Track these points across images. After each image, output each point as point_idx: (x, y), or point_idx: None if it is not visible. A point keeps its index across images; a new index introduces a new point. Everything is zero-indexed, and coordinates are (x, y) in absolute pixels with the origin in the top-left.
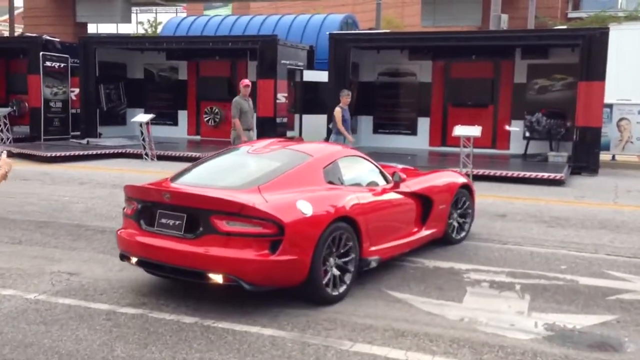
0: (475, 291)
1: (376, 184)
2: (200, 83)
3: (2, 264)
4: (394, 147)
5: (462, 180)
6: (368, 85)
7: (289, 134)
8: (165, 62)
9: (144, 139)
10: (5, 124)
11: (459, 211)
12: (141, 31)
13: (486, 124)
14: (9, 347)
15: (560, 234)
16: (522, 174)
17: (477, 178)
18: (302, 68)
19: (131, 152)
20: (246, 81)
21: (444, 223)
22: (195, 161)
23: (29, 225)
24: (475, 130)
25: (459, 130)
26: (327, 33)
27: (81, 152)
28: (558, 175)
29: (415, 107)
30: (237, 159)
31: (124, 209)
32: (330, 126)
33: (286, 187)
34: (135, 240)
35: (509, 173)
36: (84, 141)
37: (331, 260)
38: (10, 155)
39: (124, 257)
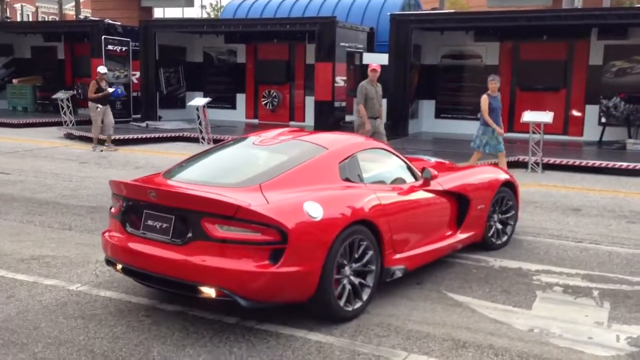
0: (547, 296)
1: (403, 181)
2: (259, 66)
3: (49, 252)
4: (456, 132)
5: (504, 176)
6: (431, 68)
7: (348, 118)
8: (224, 46)
9: (200, 123)
10: (68, 107)
11: (500, 212)
12: (205, 15)
13: (557, 109)
14: (42, 343)
15: None
16: (597, 163)
17: (548, 167)
18: (361, 51)
19: (188, 135)
20: (374, 65)
21: (482, 225)
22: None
23: (80, 210)
24: (546, 116)
25: (529, 116)
26: (388, 14)
27: (140, 135)
28: (639, 165)
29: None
30: (241, 152)
31: (110, 208)
32: (478, 116)
33: (293, 186)
34: (119, 245)
35: (583, 162)
36: (144, 124)
37: (346, 271)
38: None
39: (109, 263)
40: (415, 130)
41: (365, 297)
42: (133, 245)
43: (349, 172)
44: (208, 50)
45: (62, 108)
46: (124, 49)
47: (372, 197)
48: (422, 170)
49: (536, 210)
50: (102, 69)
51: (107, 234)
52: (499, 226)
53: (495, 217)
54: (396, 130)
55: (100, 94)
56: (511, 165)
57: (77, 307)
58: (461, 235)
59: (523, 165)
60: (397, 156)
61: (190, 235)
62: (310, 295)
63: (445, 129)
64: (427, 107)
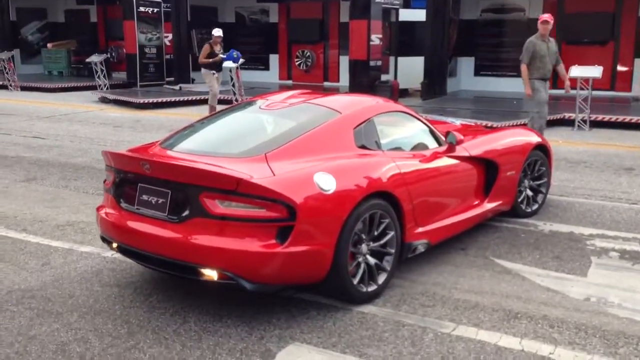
0: (603, 262)
1: (425, 147)
2: (292, 25)
3: (84, 217)
4: (497, 90)
5: (535, 139)
6: (470, 24)
7: (384, 77)
8: (256, 5)
9: (233, 85)
10: (102, 70)
11: (532, 178)
12: None
13: (605, 63)
14: (77, 313)
15: None
16: None
17: (596, 124)
18: (397, 7)
19: (222, 97)
20: (545, 16)
21: (512, 193)
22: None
23: None
24: (595, 71)
25: (577, 71)
26: None
27: (173, 99)
28: None
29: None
30: (246, 118)
31: (104, 181)
32: None
33: (303, 155)
34: (112, 221)
35: (634, 119)
36: (177, 87)
37: (363, 248)
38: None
39: (104, 241)
40: (454, 89)
41: (384, 276)
42: (127, 222)
43: (365, 138)
44: (240, 10)
45: (96, 72)
46: (155, 10)
47: (391, 165)
48: (447, 134)
49: (586, 170)
50: (217, 32)
51: (101, 209)
52: (530, 193)
53: (526, 183)
54: (434, 89)
55: (210, 60)
56: (557, 122)
57: (113, 275)
58: (489, 205)
59: (569, 123)
60: (419, 119)
61: (188, 211)
62: (323, 277)
63: (485, 87)
64: (466, 65)
